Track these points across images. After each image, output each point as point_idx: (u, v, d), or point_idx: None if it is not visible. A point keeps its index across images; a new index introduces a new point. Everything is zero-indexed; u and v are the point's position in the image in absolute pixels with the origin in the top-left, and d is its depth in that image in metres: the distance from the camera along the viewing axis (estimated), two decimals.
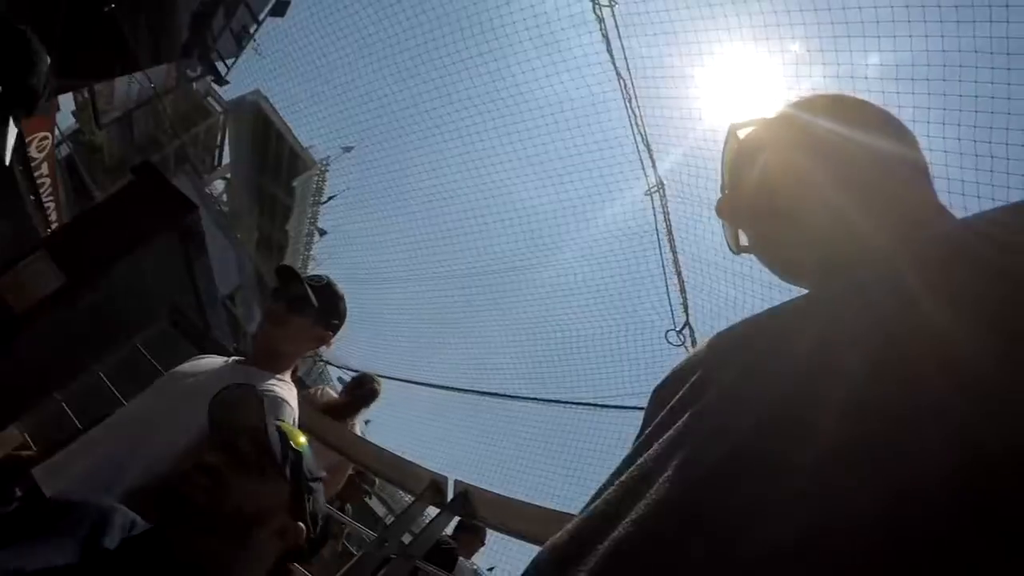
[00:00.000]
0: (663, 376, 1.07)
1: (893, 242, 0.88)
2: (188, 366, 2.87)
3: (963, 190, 6.67)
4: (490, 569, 12.59)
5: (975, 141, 6.83)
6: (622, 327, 12.91)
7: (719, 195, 1.22)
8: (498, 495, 6.78)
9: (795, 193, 1.04)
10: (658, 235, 9.87)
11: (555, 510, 6.22)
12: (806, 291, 1.05)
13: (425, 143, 14.33)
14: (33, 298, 5.53)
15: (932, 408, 0.58)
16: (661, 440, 0.83)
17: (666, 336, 10.33)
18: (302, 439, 2.06)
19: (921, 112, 7.10)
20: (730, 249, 1.26)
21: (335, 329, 2.96)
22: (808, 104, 1.15)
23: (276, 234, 24.14)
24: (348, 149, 20.12)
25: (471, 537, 6.99)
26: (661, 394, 1.01)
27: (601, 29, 8.50)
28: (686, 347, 10.05)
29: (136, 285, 6.27)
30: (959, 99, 6.95)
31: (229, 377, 2.59)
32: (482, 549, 7.47)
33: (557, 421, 13.57)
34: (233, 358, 2.92)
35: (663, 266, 10.11)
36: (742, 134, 1.19)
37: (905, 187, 1.05)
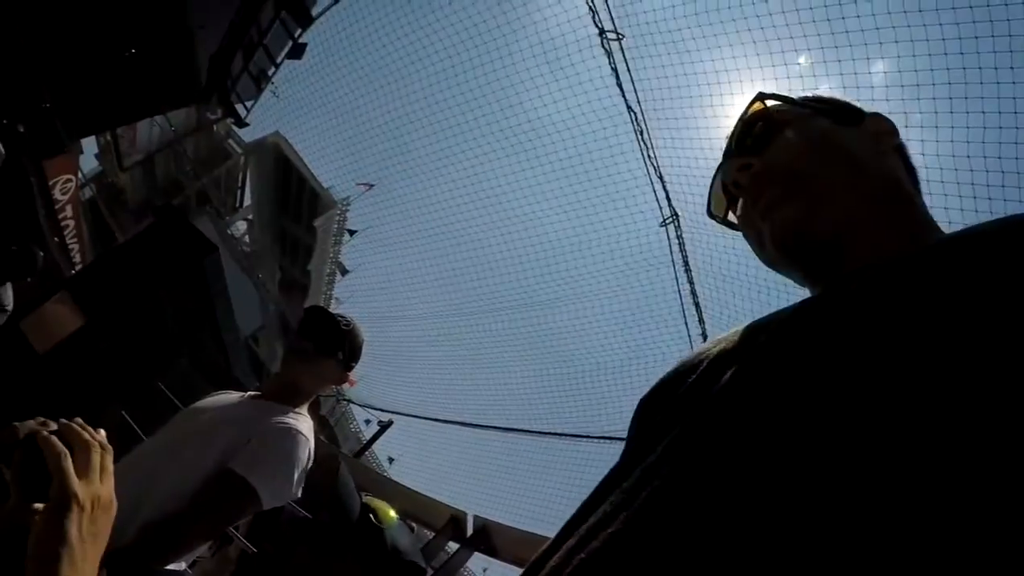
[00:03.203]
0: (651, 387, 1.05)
1: (895, 252, 0.86)
2: (206, 401, 2.85)
3: (974, 193, 6.77)
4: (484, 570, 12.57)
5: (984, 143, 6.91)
6: (640, 359, 12.88)
7: (726, 161, 1.16)
8: (517, 529, 6.82)
9: (822, 170, 1.01)
10: (674, 265, 9.86)
11: None
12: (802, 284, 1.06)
13: (441, 177, 14.46)
14: (55, 338, 5.63)
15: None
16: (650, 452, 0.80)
17: None
18: (390, 514, 2.00)
19: (928, 117, 7.16)
20: (712, 216, 1.24)
21: (350, 368, 3.01)
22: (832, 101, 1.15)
23: (298, 274, 24.34)
24: (369, 186, 20.39)
25: None
26: (649, 404, 1.00)
27: (610, 63, 8.55)
28: None
29: (157, 325, 6.35)
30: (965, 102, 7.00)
31: (246, 411, 2.65)
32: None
33: (577, 453, 13.53)
34: (249, 393, 2.90)
35: (680, 296, 10.10)
36: (771, 104, 1.16)
37: (912, 199, 1.03)
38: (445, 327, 17.01)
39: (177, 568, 2.49)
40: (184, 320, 6.99)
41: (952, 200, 6.79)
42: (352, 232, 24.21)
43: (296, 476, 2.51)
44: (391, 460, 22.93)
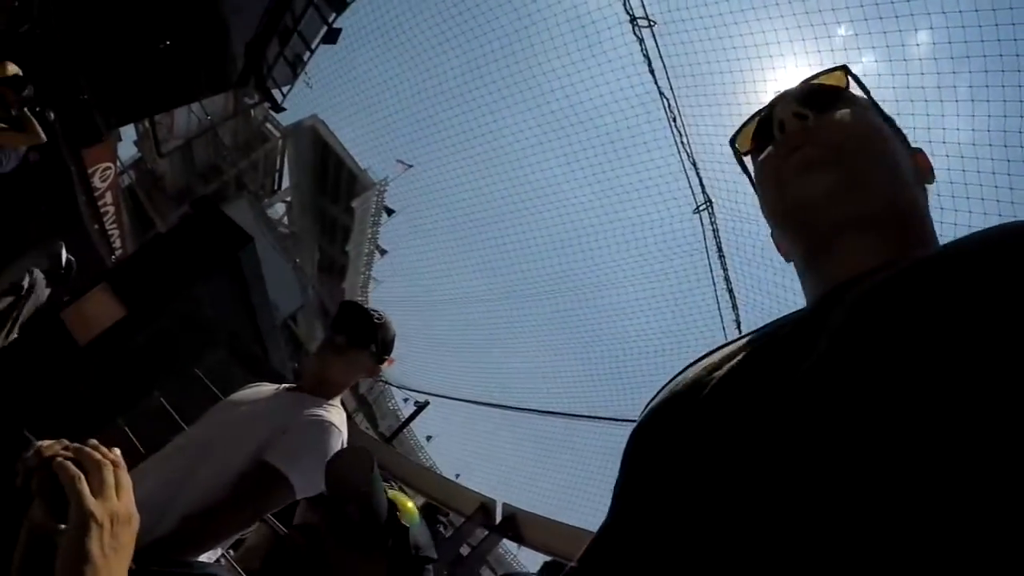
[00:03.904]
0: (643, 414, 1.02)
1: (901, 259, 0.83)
2: (242, 394, 2.93)
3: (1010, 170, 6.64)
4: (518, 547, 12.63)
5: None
6: (672, 346, 12.89)
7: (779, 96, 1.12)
8: (544, 517, 6.90)
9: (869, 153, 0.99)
10: (707, 252, 9.87)
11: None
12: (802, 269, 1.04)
13: (476, 158, 14.48)
14: (96, 330, 5.75)
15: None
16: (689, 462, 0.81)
17: None
18: (413, 510, 2.02)
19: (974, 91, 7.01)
20: (732, 142, 1.21)
21: (382, 362, 3.08)
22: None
23: (337, 254, 24.51)
24: (407, 166, 20.48)
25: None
26: (646, 432, 0.97)
27: (642, 49, 8.50)
28: None
29: (194, 315, 6.47)
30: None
31: (280, 404, 2.72)
32: None
33: (609, 437, 13.59)
34: (284, 385, 2.98)
35: (713, 282, 10.10)
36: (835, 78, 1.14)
37: (932, 237, 1.01)
38: (482, 310, 17.10)
39: (209, 559, 2.59)
40: (221, 310, 7.10)
41: (1000, 178, 6.75)
42: (391, 212, 24.39)
43: None
44: (429, 438, 23.22)
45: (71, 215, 8.85)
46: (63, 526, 1.17)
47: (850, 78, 1.13)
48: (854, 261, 0.92)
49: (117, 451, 1.33)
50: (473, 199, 15.68)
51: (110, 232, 9.92)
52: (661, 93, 8.75)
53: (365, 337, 2.89)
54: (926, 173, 1.08)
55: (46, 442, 1.31)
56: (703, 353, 0.99)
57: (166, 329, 6.33)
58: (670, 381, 1.01)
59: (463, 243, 17.41)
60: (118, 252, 10.17)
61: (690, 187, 9.63)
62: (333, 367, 2.88)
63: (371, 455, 2.01)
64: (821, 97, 1.09)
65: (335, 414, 2.72)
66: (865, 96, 1.12)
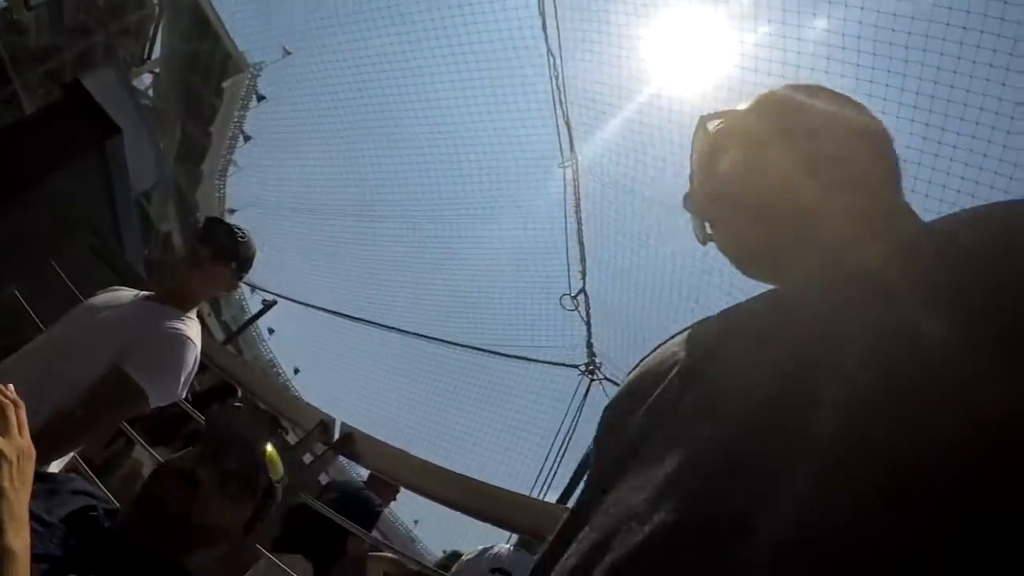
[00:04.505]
0: (615, 394, 1.06)
1: (868, 240, 0.87)
2: (100, 298, 3.05)
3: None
4: (415, 521, 13.01)
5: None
6: (519, 285, 13.43)
7: (688, 188, 1.18)
8: (380, 441, 7.23)
9: (765, 186, 1.03)
10: (565, 205, 10.29)
11: (430, 462, 6.72)
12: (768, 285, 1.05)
13: (362, 61, 14.31)
14: None
15: (929, 393, 0.60)
16: (652, 442, 0.83)
17: (560, 300, 10.85)
18: (279, 466, 2.13)
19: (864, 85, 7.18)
20: (698, 239, 1.19)
21: (242, 277, 3.26)
22: (782, 98, 1.15)
23: (199, 135, 23.69)
24: (288, 53, 19.86)
25: (386, 487, 6.58)
26: (620, 406, 1.01)
27: (540, 6, 8.75)
28: (579, 312, 10.63)
29: (55, 203, 6.38)
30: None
31: (138, 312, 2.88)
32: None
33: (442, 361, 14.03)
34: (142, 293, 3.10)
35: (566, 234, 10.49)
36: (712, 127, 1.16)
37: (880, 187, 1.04)
38: (340, 220, 17.02)
39: (59, 466, 2.71)
40: (82, 201, 6.99)
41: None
42: (261, 98, 23.67)
43: (183, 379, 2.78)
44: (271, 331, 23.02)
45: None
46: None
47: (709, 125, 1.17)
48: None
49: (12, 387, 1.45)
50: (346, 102, 15.53)
51: None
52: (549, 51, 9.08)
53: (227, 253, 3.07)
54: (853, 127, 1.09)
55: None
56: (677, 331, 1.02)
57: (23, 218, 6.16)
58: (643, 360, 1.05)
59: (329, 145, 17.19)
60: None
61: (559, 143, 10.03)
62: (194, 280, 3.07)
63: (267, 426, 2.21)
64: (702, 165, 1.17)
65: (192, 327, 2.91)
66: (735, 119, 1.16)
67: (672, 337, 1.01)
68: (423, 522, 12.89)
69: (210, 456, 1.97)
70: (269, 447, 2.15)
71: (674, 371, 0.91)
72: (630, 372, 1.05)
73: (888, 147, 1.10)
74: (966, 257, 0.69)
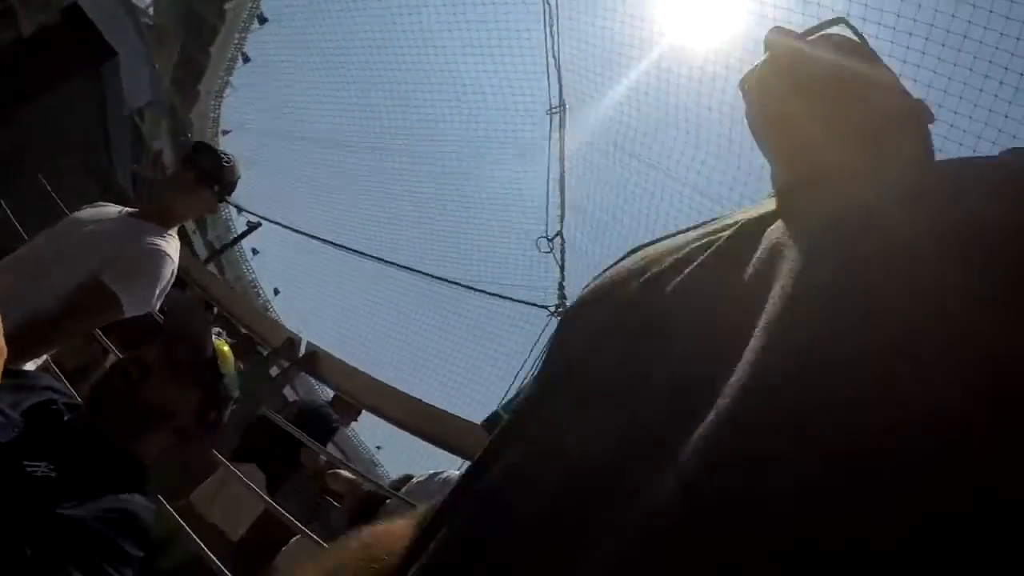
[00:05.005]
0: (579, 296, 0.99)
1: (873, 175, 0.81)
2: (86, 213, 3.06)
3: None
4: (378, 447, 13.18)
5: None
6: (497, 225, 13.89)
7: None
8: (343, 362, 7.61)
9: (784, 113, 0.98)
10: (549, 151, 10.66)
11: (393, 387, 7.08)
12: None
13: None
14: None
15: (941, 337, 0.52)
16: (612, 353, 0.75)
17: (536, 242, 11.06)
18: (230, 358, 2.18)
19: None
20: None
21: (223, 201, 3.32)
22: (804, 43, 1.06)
23: (198, 54, 23.54)
24: None
25: (347, 407, 6.68)
26: (581, 311, 0.94)
27: None
28: (554, 255, 10.87)
29: (49, 122, 6.62)
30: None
31: (122, 227, 2.91)
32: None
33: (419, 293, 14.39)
34: (127, 209, 3.12)
35: (548, 179, 10.83)
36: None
37: (895, 129, 0.97)
38: (332, 151, 17.17)
39: (34, 366, 2.79)
40: (76, 121, 7.26)
41: None
42: (264, 20, 23.45)
43: (157, 291, 2.82)
44: (255, 252, 23.02)
45: None
46: None
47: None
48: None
49: None
50: (346, 33, 15.63)
51: None
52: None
53: (211, 177, 3.10)
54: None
55: None
56: (644, 242, 0.95)
57: (15, 135, 6.32)
58: (606, 269, 0.98)
59: (327, 75, 17.29)
60: None
61: (548, 88, 10.37)
62: (178, 201, 3.11)
63: (206, 314, 2.31)
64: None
65: (171, 243, 2.95)
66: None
67: (643, 246, 0.94)
68: (386, 448, 13.04)
69: (161, 345, 2.03)
70: (221, 343, 2.19)
71: (623, 286, 0.86)
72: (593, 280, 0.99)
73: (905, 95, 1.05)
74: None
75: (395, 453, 12.42)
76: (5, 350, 1.27)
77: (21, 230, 5.15)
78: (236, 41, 23.14)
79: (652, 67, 9.99)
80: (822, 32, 1.08)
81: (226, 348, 2.21)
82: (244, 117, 20.49)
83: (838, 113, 0.94)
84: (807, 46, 1.03)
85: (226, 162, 3.17)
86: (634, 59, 10.22)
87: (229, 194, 3.27)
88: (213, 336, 2.17)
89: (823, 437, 0.50)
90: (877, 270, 0.59)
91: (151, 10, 22.07)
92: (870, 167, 0.84)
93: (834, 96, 0.96)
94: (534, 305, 11.74)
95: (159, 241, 2.88)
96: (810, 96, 0.96)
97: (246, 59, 23.70)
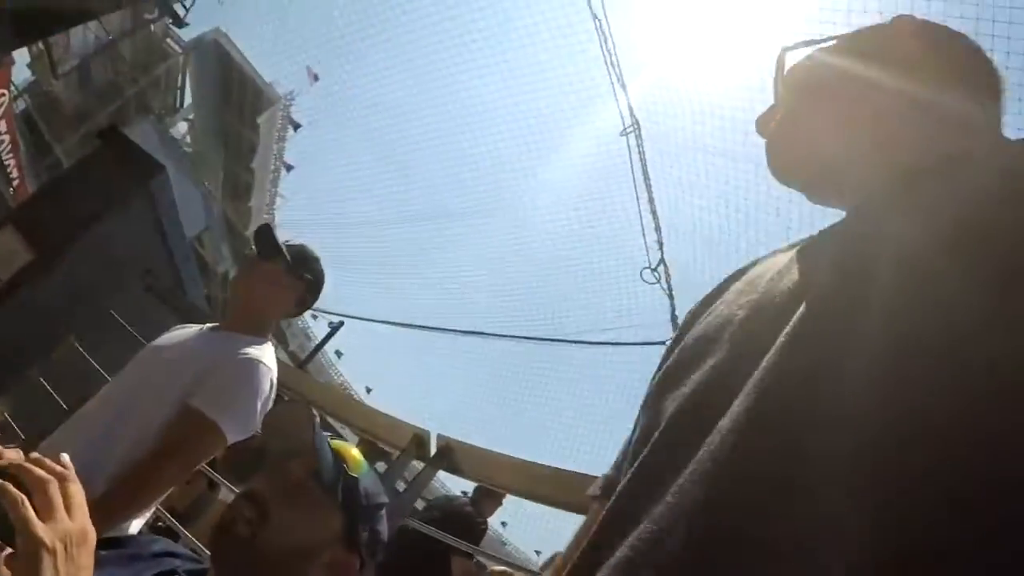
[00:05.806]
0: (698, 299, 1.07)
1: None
2: (165, 338, 2.79)
3: None
4: (503, 523, 12.91)
5: None
6: (597, 267, 13.05)
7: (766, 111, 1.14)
8: (479, 448, 6.91)
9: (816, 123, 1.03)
10: (633, 175, 9.83)
11: (535, 463, 6.39)
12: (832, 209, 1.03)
13: (390, 65, 14.27)
14: (4, 276, 5.48)
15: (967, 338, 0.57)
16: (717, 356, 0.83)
17: (641, 274, 10.27)
18: (359, 458, 1.88)
19: None
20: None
21: (312, 288, 2.91)
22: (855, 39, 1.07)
23: (242, 172, 23.98)
24: (315, 77, 20.00)
25: (490, 500, 6.29)
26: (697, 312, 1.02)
27: None
28: (661, 285, 10.12)
29: (107, 252, 6.24)
30: None
31: (205, 344, 2.61)
32: None
33: (533, 358, 13.77)
34: (208, 325, 2.83)
35: (638, 206, 10.07)
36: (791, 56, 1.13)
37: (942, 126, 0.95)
38: (396, 230, 16.99)
39: (138, 526, 2.47)
40: (134, 244, 6.89)
41: None
42: (297, 126, 23.89)
43: (259, 407, 2.50)
44: (339, 354, 23.08)
45: None
46: (10, 551, 1.09)
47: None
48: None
49: (65, 457, 1.22)
50: (384, 113, 15.49)
51: (6, 162, 9.50)
52: (594, 15, 8.69)
53: (273, 248, 2.75)
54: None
55: None
56: (751, 261, 1.05)
57: (78, 269, 6.05)
58: (714, 289, 1.06)
59: (374, 159, 17.19)
60: (15, 183, 9.74)
61: (618, 108, 9.66)
62: (248, 288, 2.77)
63: (309, 408, 1.90)
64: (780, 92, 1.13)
65: (265, 351, 2.61)
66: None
67: (751, 266, 1.02)
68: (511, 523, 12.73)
69: (268, 471, 1.72)
70: (340, 444, 1.88)
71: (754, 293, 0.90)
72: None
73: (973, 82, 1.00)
74: None
75: (517, 526, 12.23)
76: (93, 533, 1.15)
77: (97, 366, 4.90)
78: (275, 152, 23.57)
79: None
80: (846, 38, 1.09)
81: (348, 447, 1.86)
82: (300, 219, 20.55)
83: (839, 114, 1.00)
84: (819, 54, 1.09)
85: (288, 241, 2.83)
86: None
87: (306, 270, 2.86)
88: (327, 438, 1.81)
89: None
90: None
91: (187, 139, 22.60)
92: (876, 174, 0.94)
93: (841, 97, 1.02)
94: (650, 344, 11.13)
95: (251, 351, 2.55)
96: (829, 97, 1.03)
97: (288, 167, 24.20)
